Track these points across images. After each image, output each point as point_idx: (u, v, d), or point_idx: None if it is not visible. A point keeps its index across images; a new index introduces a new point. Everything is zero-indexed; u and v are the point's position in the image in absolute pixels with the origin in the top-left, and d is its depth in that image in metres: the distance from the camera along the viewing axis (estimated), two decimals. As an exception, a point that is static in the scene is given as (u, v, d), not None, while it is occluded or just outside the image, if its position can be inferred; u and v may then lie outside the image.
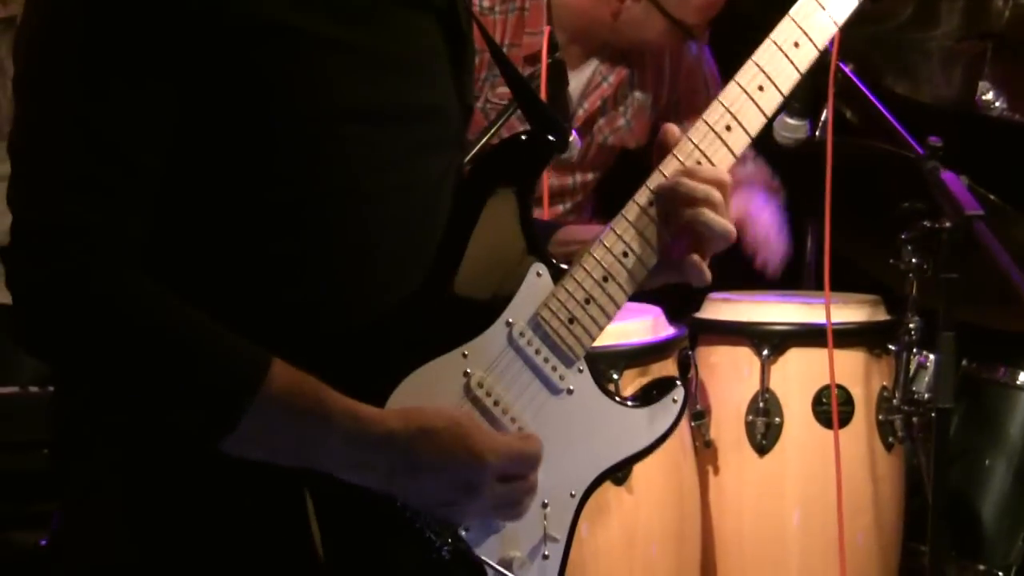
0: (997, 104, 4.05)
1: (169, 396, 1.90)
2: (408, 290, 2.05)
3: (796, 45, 2.22)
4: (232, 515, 1.95)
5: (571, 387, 2.14)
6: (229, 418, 1.88)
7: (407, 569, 2.00)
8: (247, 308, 1.96)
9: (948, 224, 3.25)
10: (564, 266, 2.15)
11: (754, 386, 3.62)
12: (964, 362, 3.90)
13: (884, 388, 3.68)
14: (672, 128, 2.20)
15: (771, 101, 2.20)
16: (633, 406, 2.23)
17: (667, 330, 3.48)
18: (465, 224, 2.11)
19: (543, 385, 2.12)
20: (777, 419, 3.60)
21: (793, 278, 4.28)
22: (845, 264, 3.69)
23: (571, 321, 2.12)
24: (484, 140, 3.13)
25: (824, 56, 3.03)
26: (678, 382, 2.26)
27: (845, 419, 3.61)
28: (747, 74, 2.20)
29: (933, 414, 3.32)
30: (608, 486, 3.11)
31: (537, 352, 2.11)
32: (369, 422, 1.94)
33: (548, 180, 3.90)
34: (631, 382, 3.25)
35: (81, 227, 1.87)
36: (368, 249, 2.02)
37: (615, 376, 3.18)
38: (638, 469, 3.19)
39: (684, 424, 3.49)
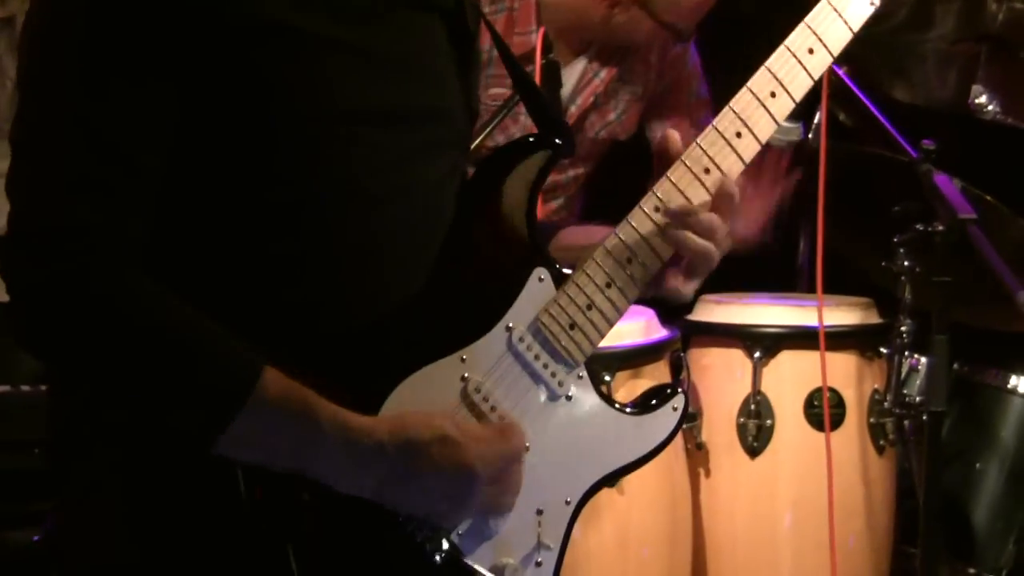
0: (991, 107, 4.05)
1: (162, 396, 1.90)
2: (408, 292, 2.04)
3: (811, 52, 2.21)
4: (228, 516, 1.94)
5: (570, 393, 2.13)
6: (220, 420, 1.88)
7: (399, 574, 1.99)
8: (247, 308, 1.96)
9: (941, 227, 3.25)
10: (567, 271, 2.14)
11: (746, 388, 3.62)
12: (956, 365, 3.90)
13: (876, 391, 3.68)
14: (673, 134, 2.20)
15: (783, 107, 2.19)
16: (632, 413, 2.21)
17: (659, 332, 3.48)
18: (467, 227, 2.10)
19: (542, 391, 2.11)
20: (769, 421, 3.59)
21: (786, 280, 4.28)
22: (838, 266, 3.69)
23: (572, 327, 2.11)
24: (478, 141, 3.13)
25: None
26: (679, 390, 2.25)
27: (837, 421, 3.61)
28: (760, 80, 2.19)
29: (925, 417, 3.32)
30: (600, 488, 3.11)
31: (537, 357, 2.10)
32: (358, 432, 1.93)
33: None
34: (623, 384, 3.25)
35: (81, 227, 1.87)
36: (368, 250, 2.01)
37: (607, 378, 3.18)
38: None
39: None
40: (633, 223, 2.14)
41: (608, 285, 2.13)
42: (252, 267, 1.97)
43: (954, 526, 3.80)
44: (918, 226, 3.43)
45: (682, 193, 2.15)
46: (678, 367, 3.56)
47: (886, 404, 3.64)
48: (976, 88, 4.07)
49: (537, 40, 3.78)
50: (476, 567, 2.03)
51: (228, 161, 1.95)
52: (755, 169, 3.72)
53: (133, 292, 1.89)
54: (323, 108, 1.97)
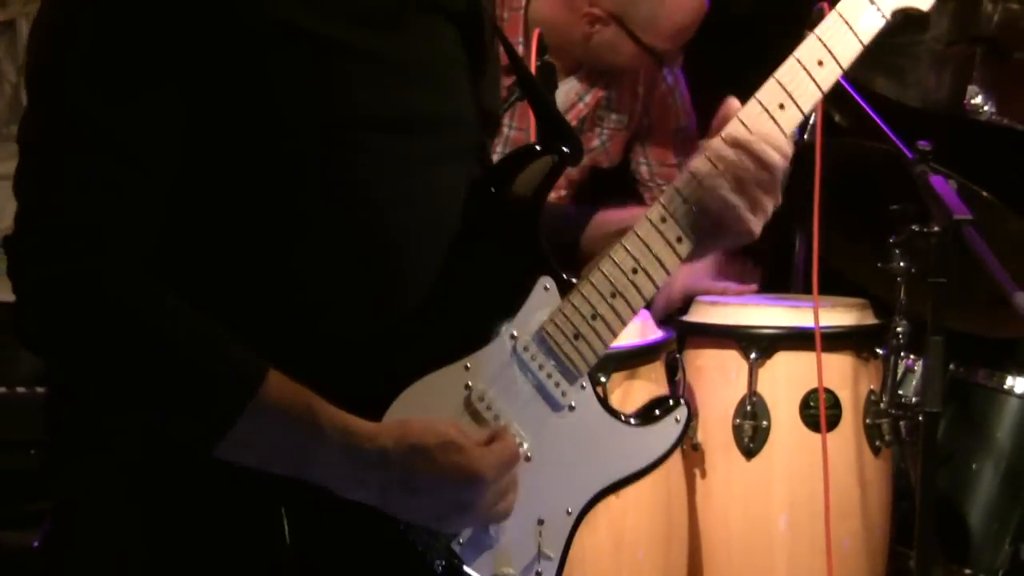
0: (986, 108, 4.05)
1: (164, 397, 1.89)
2: (414, 299, 2.02)
3: (820, 63, 2.19)
4: (230, 522, 1.94)
5: (573, 403, 2.12)
6: (221, 424, 1.87)
7: None
8: (253, 313, 1.95)
9: (937, 228, 3.25)
10: (573, 280, 2.12)
11: (742, 389, 3.62)
12: (952, 366, 3.90)
13: (872, 392, 3.68)
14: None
15: (791, 120, 2.18)
16: (634, 425, 2.20)
17: (655, 333, 3.48)
18: (473, 234, 2.08)
19: (545, 400, 2.10)
20: (764, 422, 3.59)
21: (781, 281, 4.28)
22: (834, 267, 3.69)
23: (576, 337, 2.10)
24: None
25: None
26: (682, 401, 2.24)
27: (833, 423, 3.61)
28: (769, 92, 2.18)
29: (921, 418, 3.32)
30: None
31: (540, 367, 2.09)
32: (362, 438, 1.92)
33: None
34: (619, 385, 3.26)
35: (88, 226, 1.86)
36: (374, 257, 2.00)
37: (603, 379, 3.18)
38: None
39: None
40: (639, 233, 2.13)
41: (613, 295, 2.12)
42: (258, 272, 1.96)
43: (950, 527, 3.80)
44: (914, 227, 3.43)
45: (689, 204, 2.14)
46: (674, 368, 3.58)
47: (882, 405, 3.65)
48: (971, 89, 4.07)
49: (523, 51, 3.79)
50: None
51: (236, 163, 1.94)
52: None
53: (138, 293, 1.88)
54: (333, 112, 1.96)
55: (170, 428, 1.91)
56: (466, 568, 2.02)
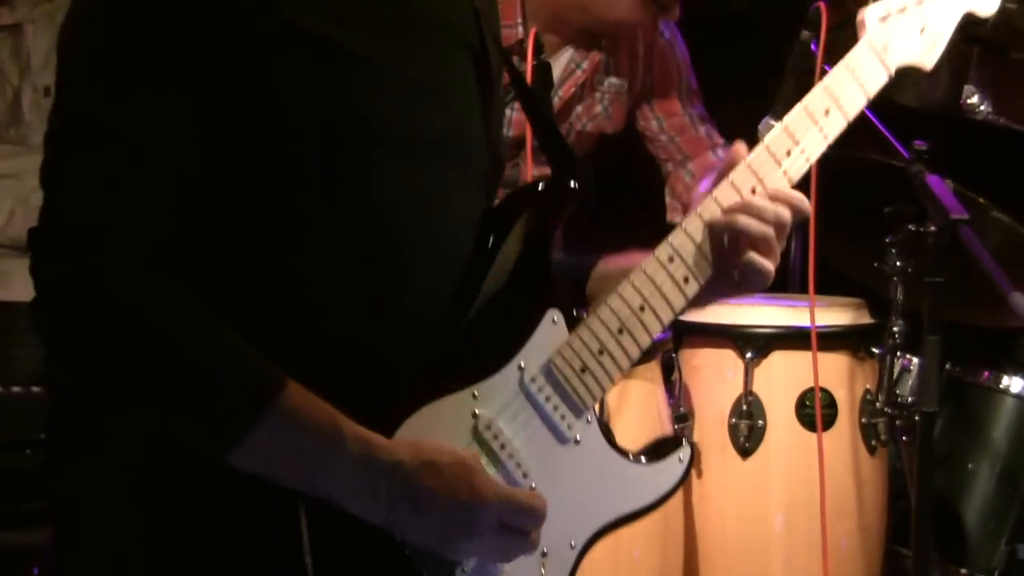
0: (982, 108, 4.05)
1: (182, 403, 1.88)
2: (425, 325, 2.02)
3: (827, 113, 2.24)
4: (230, 523, 1.93)
5: (578, 437, 2.12)
6: (239, 429, 1.86)
7: None
8: (254, 313, 1.94)
9: (933, 228, 3.25)
10: (583, 313, 2.13)
11: (738, 389, 3.62)
12: (948, 365, 3.90)
13: (868, 391, 3.69)
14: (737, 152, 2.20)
15: (799, 168, 2.21)
16: (638, 462, 2.21)
17: (651, 332, 3.47)
18: (484, 265, 2.08)
19: (551, 433, 2.10)
20: (760, 422, 3.60)
21: (777, 281, 4.27)
22: (830, 266, 3.69)
23: (583, 370, 2.10)
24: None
25: (809, 60, 3.05)
26: (684, 442, 2.25)
27: (829, 422, 3.61)
28: (777, 139, 2.21)
29: (917, 417, 3.32)
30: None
31: (547, 399, 2.08)
32: (378, 449, 1.91)
33: (531, 172, 3.90)
34: (615, 385, 3.24)
35: (89, 227, 1.86)
36: (382, 278, 2.00)
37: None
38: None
39: (667, 426, 3.49)
40: (647, 271, 2.14)
41: (620, 331, 2.12)
42: (265, 291, 1.96)
43: (946, 527, 3.80)
44: (910, 227, 3.43)
45: (697, 246, 2.16)
46: (670, 368, 3.58)
47: (878, 404, 3.65)
48: (968, 89, 4.07)
49: (522, 32, 3.79)
50: None
51: (250, 171, 1.93)
52: None
53: (152, 293, 1.87)
54: (349, 126, 1.95)
55: (187, 433, 1.90)
56: None
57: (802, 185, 2.23)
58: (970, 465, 3.88)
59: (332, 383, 1.94)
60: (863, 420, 3.67)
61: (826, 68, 3.31)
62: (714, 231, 2.16)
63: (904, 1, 2.38)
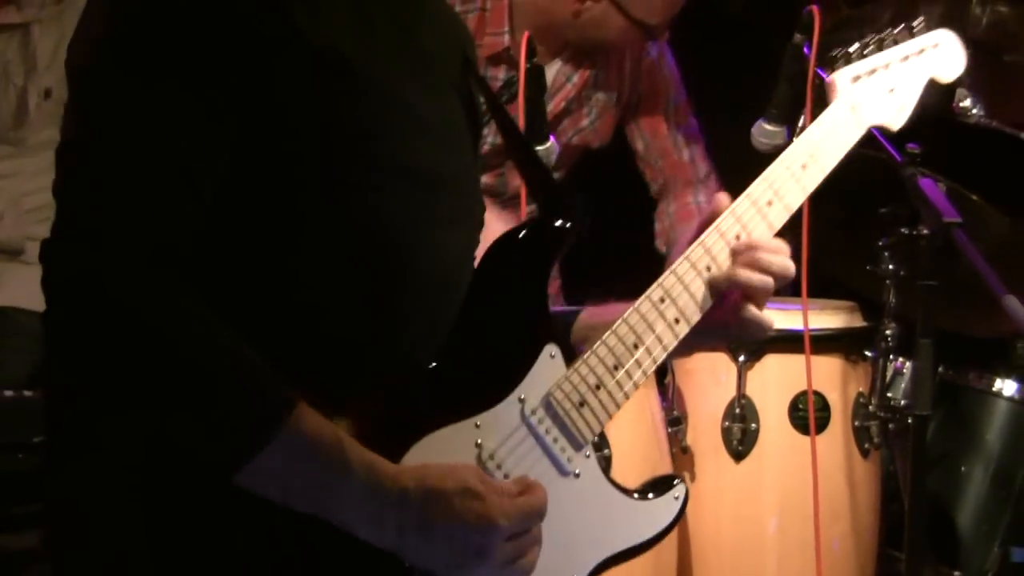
0: (975, 111, 4.05)
1: (193, 420, 1.88)
2: (426, 354, 2.05)
3: (804, 167, 2.35)
4: (230, 523, 1.93)
5: (577, 471, 2.15)
6: (250, 448, 1.86)
7: None
8: (257, 335, 1.92)
9: (926, 231, 3.25)
10: (580, 349, 2.17)
11: (731, 392, 3.62)
12: (941, 368, 3.90)
13: (861, 394, 3.69)
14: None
15: (780, 217, 2.31)
16: (635, 499, 2.24)
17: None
18: (481, 301, 2.12)
19: (552, 464, 2.13)
20: (754, 425, 3.60)
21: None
22: (823, 270, 3.69)
23: (582, 405, 2.14)
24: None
25: (802, 62, 3.05)
26: (678, 481, 2.28)
27: (822, 425, 3.61)
28: (758, 189, 2.30)
29: (910, 420, 3.32)
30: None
31: (547, 432, 2.12)
32: (385, 477, 1.92)
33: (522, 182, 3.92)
34: (611, 420, 3.25)
35: (89, 229, 1.86)
36: (386, 282, 2.01)
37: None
38: (615, 474, 3.18)
39: (661, 429, 3.49)
40: (641, 311, 2.19)
41: (616, 368, 2.17)
42: (258, 271, 1.96)
43: (939, 529, 3.80)
44: (903, 230, 3.43)
45: (686, 288, 2.22)
46: (663, 371, 3.57)
47: (871, 407, 3.65)
48: (960, 92, 4.07)
49: (507, 40, 3.79)
50: None
51: (250, 171, 1.94)
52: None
53: (154, 293, 1.86)
54: (349, 130, 1.98)
55: (195, 450, 1.89)
56: None
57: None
58: (963, 468, 3.88)
59: (330, 383, 1.95)
60: (856, 423, 3.67)
61: (819, 71, 3.32)
62: (714, 285, 2.23)
63: (873, 63, 2.54)
